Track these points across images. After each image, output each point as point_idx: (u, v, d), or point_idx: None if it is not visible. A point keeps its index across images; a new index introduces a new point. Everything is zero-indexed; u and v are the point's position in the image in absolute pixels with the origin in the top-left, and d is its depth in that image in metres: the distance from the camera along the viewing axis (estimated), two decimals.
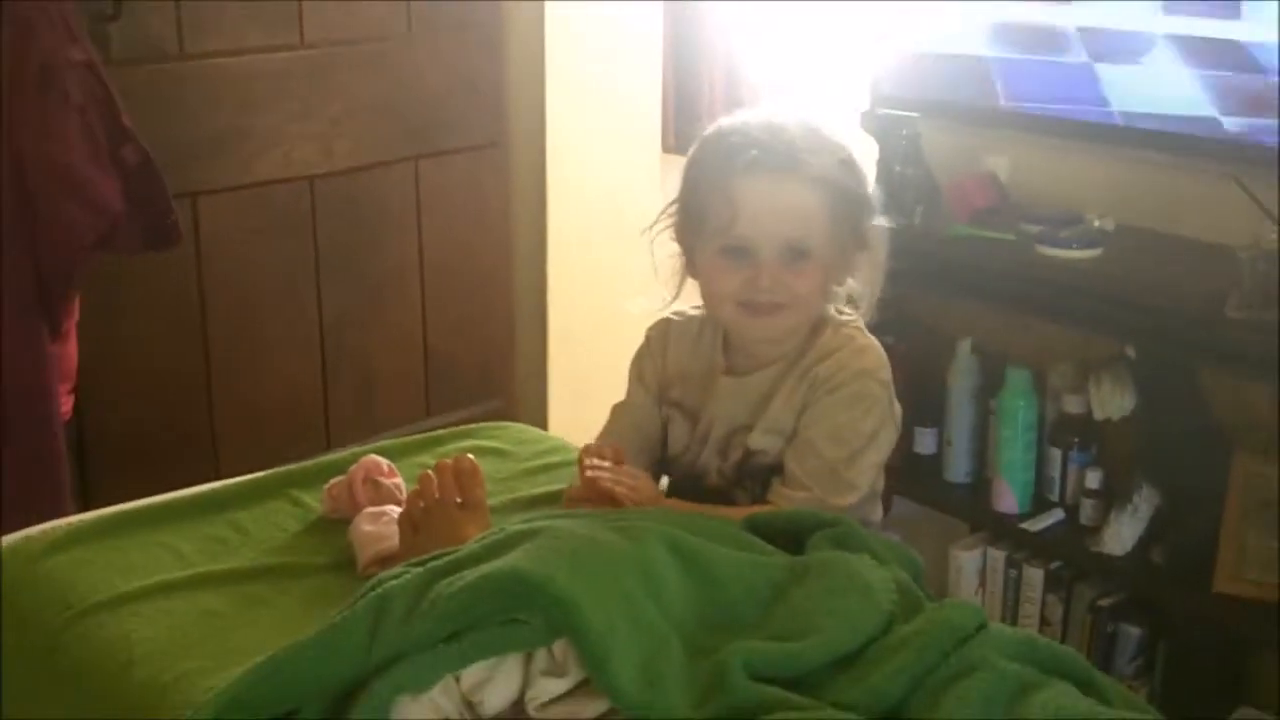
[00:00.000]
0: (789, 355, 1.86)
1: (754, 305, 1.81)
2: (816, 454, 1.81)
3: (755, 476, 1.86)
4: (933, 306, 2.97)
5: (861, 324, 1.90)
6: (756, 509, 1.78)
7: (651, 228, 1.91)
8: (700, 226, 1.84)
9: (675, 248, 1.91)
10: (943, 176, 2.88)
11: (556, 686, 1.39)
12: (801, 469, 1.81)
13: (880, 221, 1.90)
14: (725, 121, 1.85)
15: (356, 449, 2.27)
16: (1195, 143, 2.56)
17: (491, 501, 1.87)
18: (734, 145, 1.80)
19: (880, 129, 2.89)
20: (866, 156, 2.91)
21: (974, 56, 2.86)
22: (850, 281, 1.91)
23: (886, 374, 1.86)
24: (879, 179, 2.88)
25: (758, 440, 1.86)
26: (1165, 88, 2.59)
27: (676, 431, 1.95)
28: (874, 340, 1.89)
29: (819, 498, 1.79)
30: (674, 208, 1.90)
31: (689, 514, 1.70)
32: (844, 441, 1.81)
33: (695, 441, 1.92)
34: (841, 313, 1.90)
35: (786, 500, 1.80)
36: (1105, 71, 2.69)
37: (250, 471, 2.23)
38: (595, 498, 1.75)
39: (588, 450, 1.83)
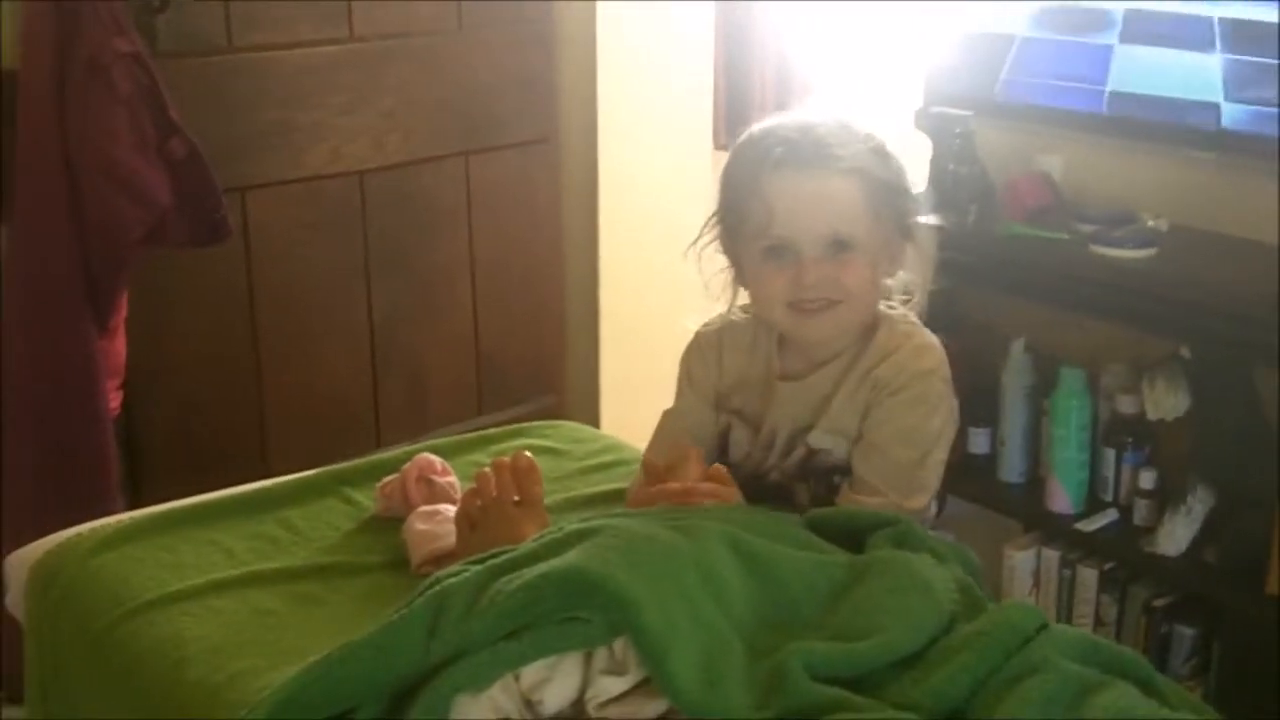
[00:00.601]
0: (846, 355, 1.85)
1: (803, 306, 1.80)
2: (886, 457, 1.80)
3: (817, 474, 1.86)
4: (986, 305, 2.96)
5: (918, 320, 1.89)
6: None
7: (696, 242, 1.91)
8: (740, 232, 1.84)
9: (723, 260, 1.90)
10: (997, 175, 2.87)
11: (616, 685, 1.38)
12: (872, 473, 1.80)
13: (926, 217, 1.90)
14: (756, 127, 1.85)
15: (408, 447, 2.27)
16: (1250, 142, 2.54)
17: (547, 500, 1.87)
18: (763, 146, 1.80)
19: (934, 127, 2.88)
20: (920, 155, 2.93)
21: (1026, 53, 2.85)
22: (902, 274, 1.90)
23: (947, 371, 1.85)
24: (933, 178, 2.89)
25: (820, 439, 1.85)
26: (1221, 85, 2.57)
27: (738, 438, 1.93)
28: (932, 337, 1.87)
29: (894, 502, 1.77)
30: (715, 219, 1.89)
31: (749, 511, 1.69)
32: (913, 443, 1.80)
33: (758, 449, 1.91)
34: (893, 308, 1.89)
35: (858, 505, 1.78)
36: (1159, 69, 2.67)
37: (300, 470, 2.24)
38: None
39: (652, 468, 1.81)
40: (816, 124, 1.80)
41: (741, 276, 1.89)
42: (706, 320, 1.98)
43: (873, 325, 1.86)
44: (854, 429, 1.83)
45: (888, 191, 1.81)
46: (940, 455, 1.84)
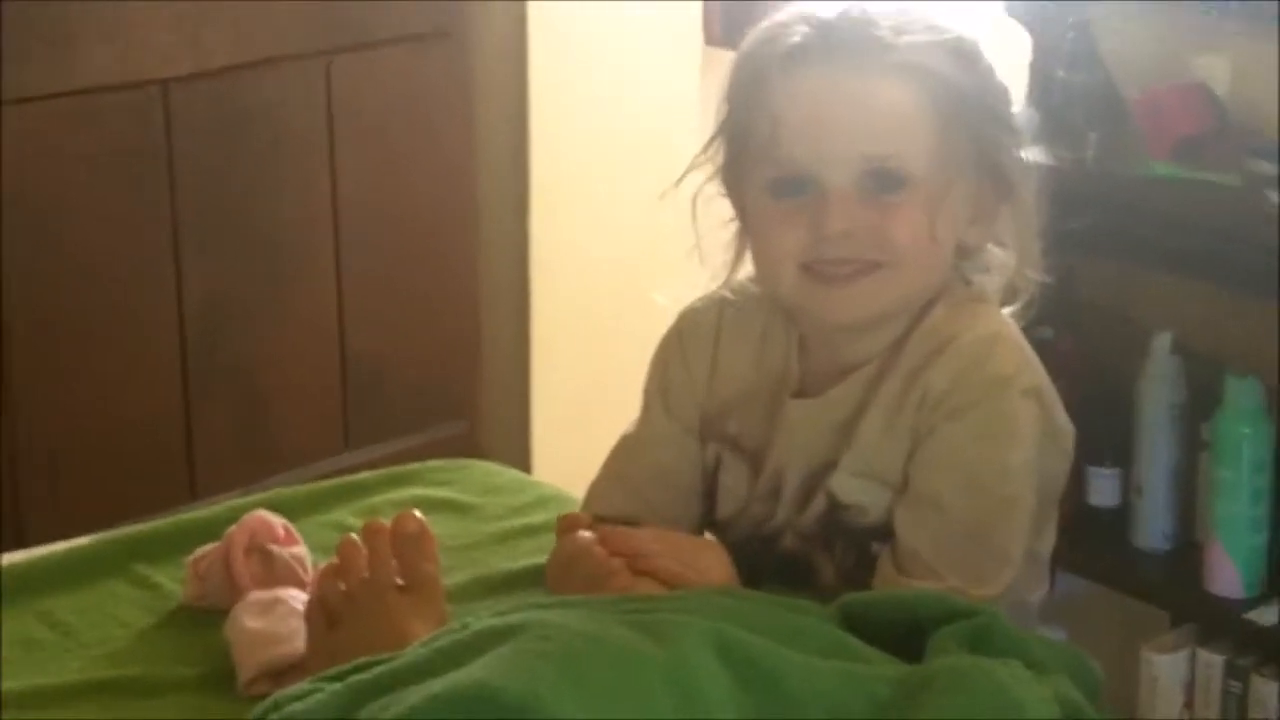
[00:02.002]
0: (881, 353, 1.86)
1: (824, 268, 1.80)
2: (943, 515, 1.79)
3: (847, 537, 1.86)
4: (1114, 285, 2.97)
5: (989, 293, 1.90)
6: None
7: (682, 180, 1.91)
8: (743, 160, 1.85)
9: (726, 208, 1.91)
10: (1130, 88, 2.89)
11: None
12: (923, 541, 1.79)
13: (1032, 155, 1.90)
14: (780, 15, 1.85)
15: (236, 501, 2.27)
16: None
17: (447, 582, 1.87)
18: (779, 32, 1.81)
19: (1035, 17, 2.89)
20: (1015, 59, 2.94)
21: None
22: (997, 251, 1.89)
23: (1033, 375, 1.83)
24: (1033, 92, 2.90)
25: (845, 486, 1.85)
26: None
27: (730, 481, 1.94)
28: (1007, 321, 1.87)
29: (955, 586, 1.76)
30: (713, 144, 1.90)
31: (746, 598, 1.70)
32: (985, 492, 1.79)
33: (759, 499, 1.92)
34: (969, 283, 1.90)
35: (904, 589, 1.78)
36: None
37: (70, 535, 2.24)
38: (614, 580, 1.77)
39: (572, 525, 1.84)
40: (863, 7, 1.81)
41: (748, 227, 1.90)
42: (685, 296, 1.98)
43: (926, 306, 1.86)
44: (892, 469, 1.83)
45: (967, 106, 1.81)
46: (1030, 506, 1.83)
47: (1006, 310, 1.90)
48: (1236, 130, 2.86)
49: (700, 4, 3.80)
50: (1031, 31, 2.89)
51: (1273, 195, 2.67)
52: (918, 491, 1.81)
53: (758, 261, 1.89)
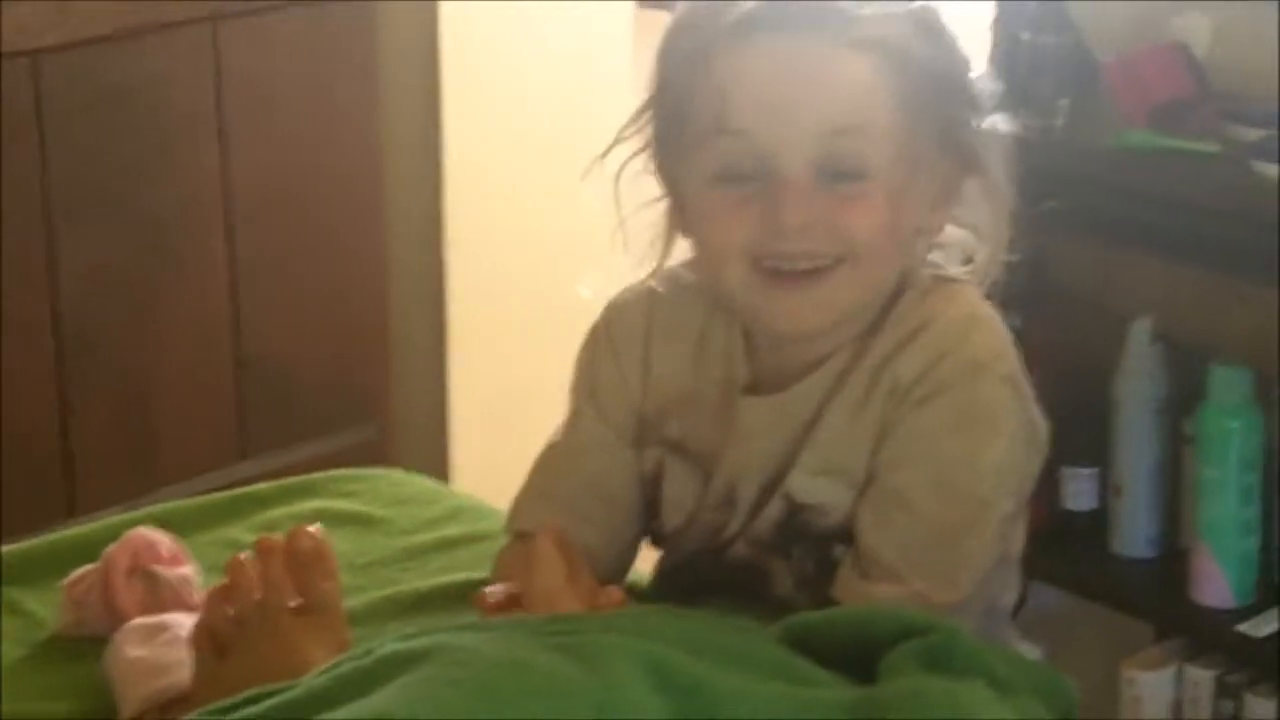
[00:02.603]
0: (848, 345, 1.86)
1: (778, 264, 1.80)
2: (910, 512, 1.80)
3: (804, 542, 1.87)
4: (1087, 266, 2.99)
5: (967, 280, 1.90)
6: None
7: (606, 154, 1.90)
8: (681, 140, 1.84)
9: (653, 188, 1.90)
10: (1104, 51, 2.90)
11: None
12: (887, 540, 1.80)
13: (998, 124, 1.90)
14: None
15: (117, 517, 2.26)
16: None
17: (351, 603, 1.88)
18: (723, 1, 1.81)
19: None
20: (978, 18, 2.95)
21: None
22: (955, 230, 1.90)
23: (1010, 361, 1.84)
24: (998, 55, 2.91)
25: (804, 486, 1.86)
26: None
27: (677, 491, 1.94)
28: (984, 305, 1.87)
29: (915, 592, 1.77)
30: (643, 117, 1.89)
31: (683, 617, 1.70)
32: (955, 489, 1.80)
33: (710, 508, 1.92)
34: (936, 266, 1.90)
35: (861, 598, 1.79)
36: None
37: None
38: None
39: (486, 600, 1.79)
40: None
41: (681, 216, 1.89)
42: (610, 286, 1.97)
43: (893, 295, 1.86)
44: (857, 466, 1.84)
45: (930, 82, 1.82)
46: (1007, 507, 1.84)
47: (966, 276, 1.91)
48: (1217, 95, 2.88)
49: None
50: None
51: (1257, 164, 2.67)
52: (883, 488, 1.82)
53: (702, 258, 1.88)
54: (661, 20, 1.93)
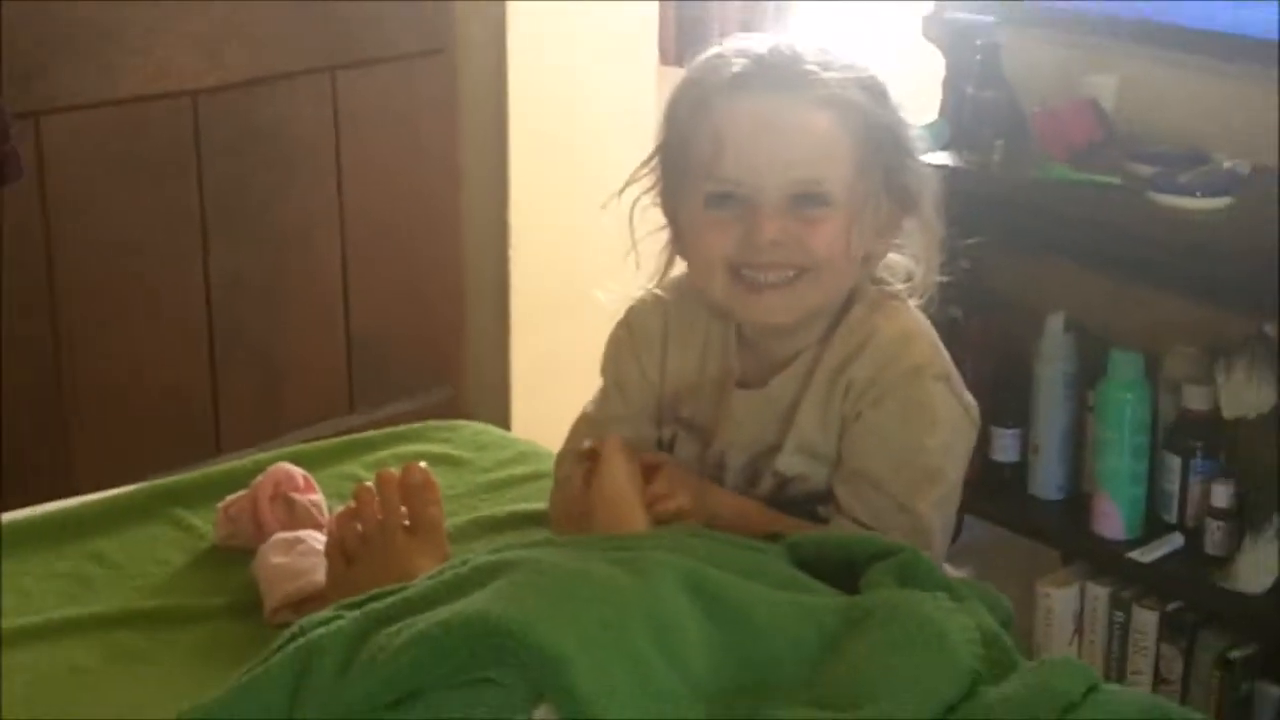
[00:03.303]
0: (811, 347, 1.86)
1: (753, 274, 1.80)
2: (876, 488, 1.80)
3: (793, 505, 1.87)
4: (1015, 271, 2.97)
5: (903, 297, 1.89)
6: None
7: (624, 190, 1.90)
8: (683, 177, 1.84)
9: (659, 219, 1.90)
10: (1029, 102, 2.88)
11: None
12: (860, 513, 1.81)
13: (938, 156, 1.90)
14: (717, 48, 1.85)
15: (260, 455, 2.26)
16: None
17: (448, 524, 1.87)
18: (720, 61, 1.81)
19: (948, 38, 2.89)
20: (930, 76, 2.94)
21: None
22: (897, 257, 1.89)
23: (943, 362, 1.85)
24: (947, 105, 2.90)
25: (789, 462, 1.86)
26: None
27: (683, 455, 1.94)
28: (919, 318, 1.88)
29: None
30: (654, 159, 1.89)
31: (714, 540, 1.69)
32: (909, 465, 1.80)
33: (707, 469, 1.92)
34: (881, 282, 1.90)
35: None
36: None
37: (115, 484, 2.22)
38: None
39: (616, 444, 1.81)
40: (793, 43, 1.81)
41: (679, 240, 1.89)
42: (638, 297, 1.96)
43: (845, 306, 1.86)
44: (828, 447, 1.84)
45: (880, 137, 1.81)
46: (954, 475, 1.84)
47: (913, 303, 1.90)
48: (1121, 139, 2.87)
49: (656, 29, 3.79)
50: (945, 53, 2.89)
51: (1151, 194, 2.67)
52: (852, 468, 1.83)
53: (693, 269, 1.89)
54: (678, 75, 1.93)
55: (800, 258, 1.79)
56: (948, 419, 1.83)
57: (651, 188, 1.89)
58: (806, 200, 1.79)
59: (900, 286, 1.89)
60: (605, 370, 1.99)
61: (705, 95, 1.81)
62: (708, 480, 1.88)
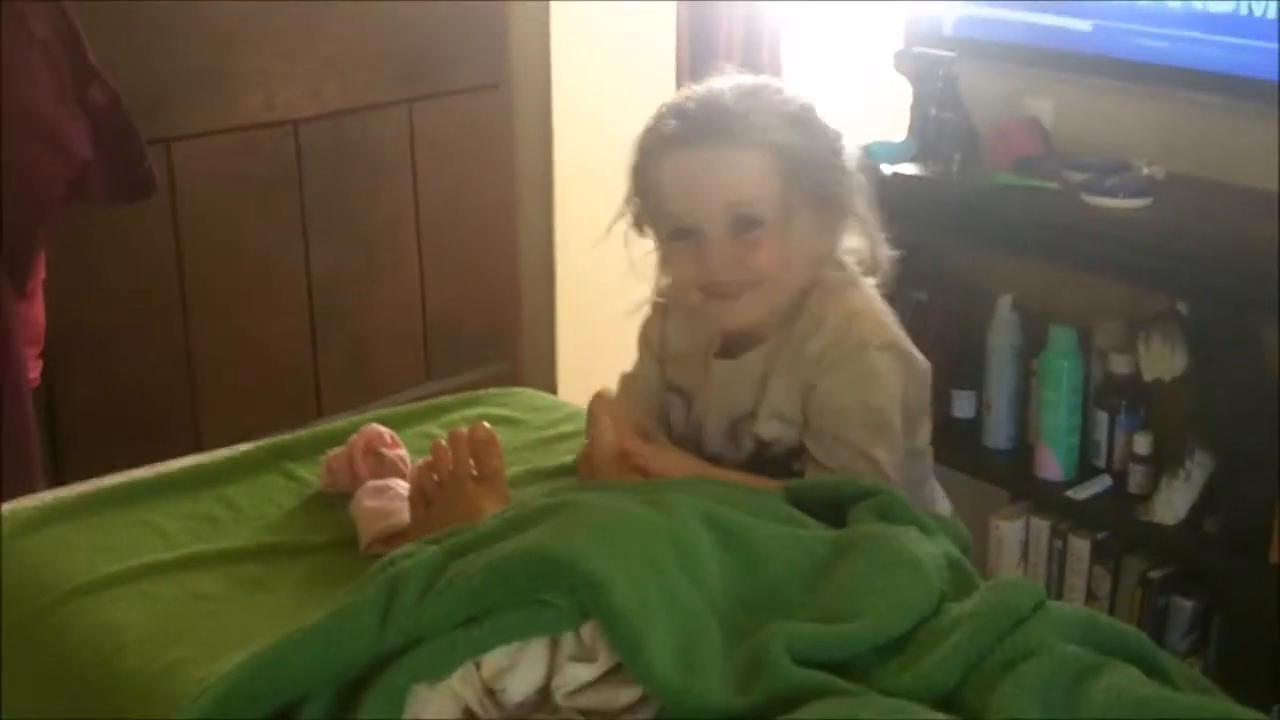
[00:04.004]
0: (778, 329, 1.85)
1: (715, 290, 1.81)
2: (839, 440, 1.79)
3: (772, 463, 1.86)
4: (970, 260, 2.96)
5: (857, 278, 1.88)
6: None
7: (612, 225, 1.91)
8: (650, 214, 1.85)
9: (647, 242, 1.91)
10: (982, 121, 2.87)
11: (585, 673, 1.37)
12: (829, 462, 1.80)
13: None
14: (665, 102, 1.85)
15: (354, 417, 2.26)
16: (1251, 84, 2.54)
17: (508, 473, 1.86)
18: (660, 122, 1.81)
19: (915, 70, 2.88)
20: (900, 100, 2.93)
21: None
22: (855, 242, 1.88)
23: (887, 334, 1.82)
24: (914, 124, 2.89)
25: (766, 428, 1.86)
26: (1218, 24, 2.57)
27: (674, 415, 1.96)
28: (868, 295, 1.86)
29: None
30: (629, 198, 1.90)
31: (724, 484, 1.69)
32: (862, 424, 1.79)
33: (691, 428, 1.93)
34: (842, 268, 1.88)
35: None
36: (1153, 7, 2.67)
37: (234, 443, 2.22)
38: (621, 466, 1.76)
39: (602, 408, 1.82)
40: (722, 93, 1.79)
41: (659, 256, 1.90)
42: (642, 309, 2.00)
43: (807, 293, 1.85)
44: (795, 413, 1.83)
45: (803, 162, 1.79)
46: (899, 424, 1.82)
47: (872, 280, 1.89)
48: (1058, 151, 2.86)
49: (674, 59, 3.78)
50: (912, 82, 2.87)
51: (1083, 196, 2.66)
52: (817, 427, 1.81)
53: (672, 286, 1.91)
54: None
55: (746, 274, 1.79)
56: (890, 382, 1.81)
57: (634, 220, 1.90)
58: (742, 225, 1.78)
59: (857, 267, 1.88)
60: (640, 341, 2.01)
61: (650, 152, 1.82)
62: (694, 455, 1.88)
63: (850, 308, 1.82)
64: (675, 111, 1.80)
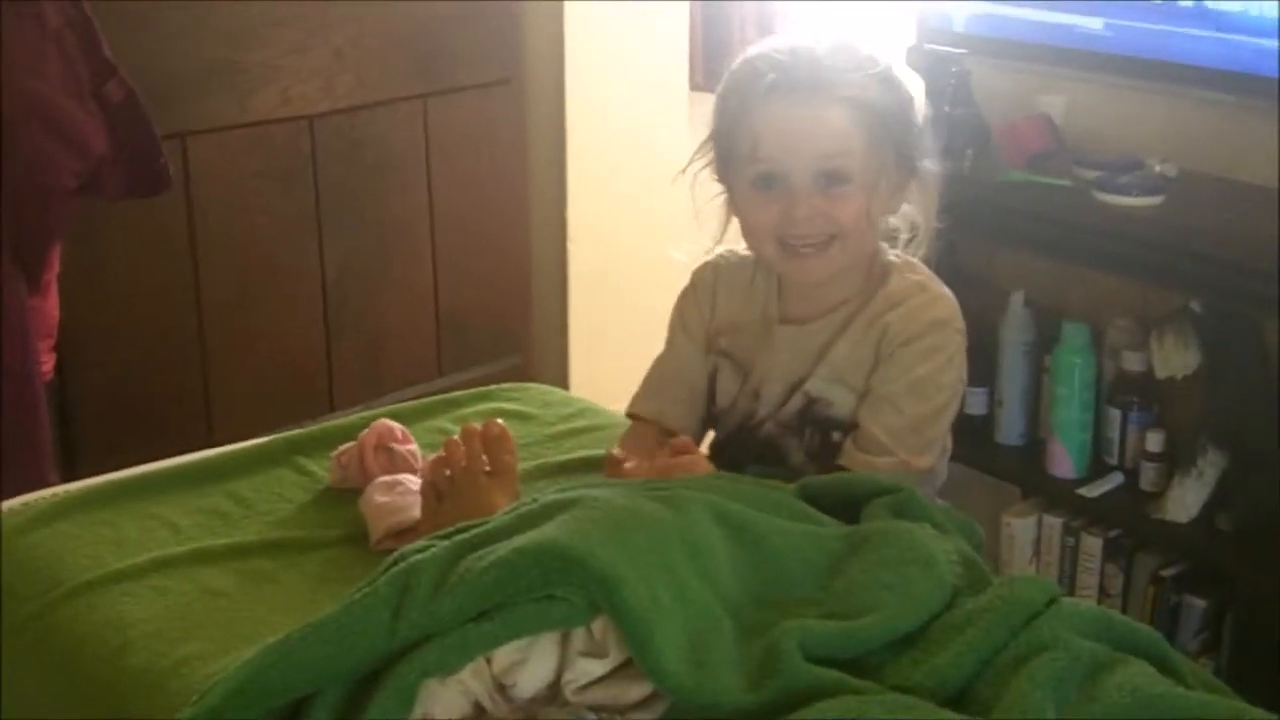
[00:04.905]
0: (854, 301, 1.88)
1: (794, 245, 1.82)
2: (897, 410, 1.82)
3: (815, 425, 1.87)
4: (983, 257, 2.95)
5: (929, 271, 1.92)
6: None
7: (686, 169, 1.92)
8: (731, 160, 1.86)
9: (716, 188, 1.92)
10: (994, 118, 2.85)
11: (596, 668, 1.36)
12: (881, 428, 1.82)
13: (928, 163, 1.90)
14: (752, 50, 1.87)
15: (365, 412, 2.25)
16: (1264, 83, 2.53)
17: (520, 468, 1.86)
18: (756, 71, 1.82)
19: (927, 67, 2.85)
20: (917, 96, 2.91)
21: None
22: (908, 207, 1.91)
23: (962, 324, 1.88)
24: (927, 120, 2.87)
25: (819, 386, 1.87)
26: (1231, 22, 2.56)
27: (725, 383, 1.96)
28: (946, 289, 1.90)
29: (902, 460, 1.81)
30: (710, 145, 1.91)
31: (736, 481, 1.68)
32: (926, 396, 1.83)
33: (744, 396, 1.93)
34: (900, 256, 1.91)
35: (864, 466, 1.80)
36: (1165, 5, 2.66)
37: (247, 437, 2.22)
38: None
39: (617, 461, 1.80)
40: (813, 47, 1.81)
41: (733, 206, 1.91)
42: (702, 256, 1.99)
43: (883, 274, 1.88)
44: (856, 379, 1.85)
45: (888, 121, 1.82)
46: (953, 411, 1.86)
47: (920, 252, 1.93)
48: (1070, 148, 2.84)
49: (687, 61, 3.77)
50: (924, 77, 2.83)
51: (1096, 194, 2.64)
52: (879, 393, 1.84)
53: (746, 235, 1.91)
54: (707, 97, 1.95)
55: (830, 227, 1.81)
56: (957, 363, 1.86)
57: (706, 164, 1.91)
58: (830, 179, 1.80)
59: (906, 236, 1.92)
60: (672, 324, 2.01)
61: (744, 101, 1.82)
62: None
63: (935, 291, 1.88)
64: (771, 63, 1.81)
